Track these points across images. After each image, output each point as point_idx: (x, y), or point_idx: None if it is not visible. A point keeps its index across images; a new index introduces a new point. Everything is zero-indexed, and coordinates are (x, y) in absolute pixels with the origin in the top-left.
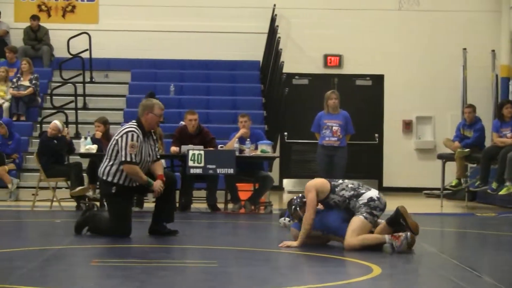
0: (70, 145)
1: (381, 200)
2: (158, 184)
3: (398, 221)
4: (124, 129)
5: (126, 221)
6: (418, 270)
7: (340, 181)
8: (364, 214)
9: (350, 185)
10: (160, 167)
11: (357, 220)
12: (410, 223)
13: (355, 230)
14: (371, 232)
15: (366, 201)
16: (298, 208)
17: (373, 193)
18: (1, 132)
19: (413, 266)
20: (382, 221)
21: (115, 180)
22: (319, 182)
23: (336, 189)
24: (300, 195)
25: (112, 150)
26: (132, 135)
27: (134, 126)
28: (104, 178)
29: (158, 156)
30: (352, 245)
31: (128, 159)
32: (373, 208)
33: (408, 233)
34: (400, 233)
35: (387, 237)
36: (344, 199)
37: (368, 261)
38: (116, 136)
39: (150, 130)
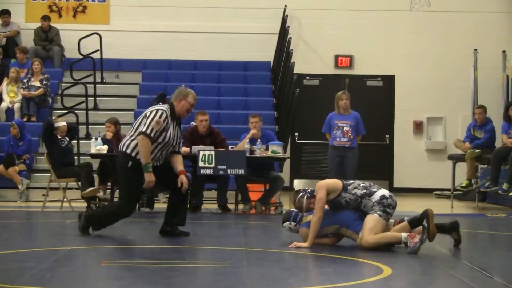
0: (73, 131)
1: (393, 198)
2: (182, 179)
3: (421, 222)
4: (156, 107)
5: (134, 196)
6: (428, 271)
7: (351, 181)
8: (379, 212)
9: (362, 184)
10: (181, 163)
11: (373, 218)
12: (431, 228)
13: (372, 228)
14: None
15: (378, 199)
16: (304, 197)
17: (385, 191)
18: (13, 133)
19: (424, 267)
20: (392, 221)
21: (133, 154)
22: (331, 182)
23: (349, 187)
24: (311, 188)
25: (139, 125)
26: (162, 114)
27: (166, 107)
28: (124, 149)
29: (180, 149)
30: (370, 242)
31: (148, 131)
32: (387, 206)
33: (424, 236)
34: (417, 234)
35: (403, 235)
36: (356, 197)
37: (379, 262)
38: (147, 111)
39: (179, 116)
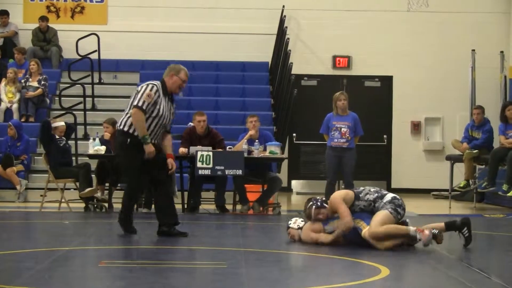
0: (69, 129)
1: (403, 201)
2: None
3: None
4: (147, 82)
5: (137, 172)
6: (426, 271)
7: (361, 188)
8: (390, 210)
9: (372, 189)
10: (170, 146)
11: (382, 213)
12: (438, 239)
13: (381, 221)
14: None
15: (390, 199)
16: (313, 207)
17: (396, 194)
18: (10, 133)
19: (422, 267)
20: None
21: (131, 131)
22: (343, 193)
23: (361, 195)
24: (322, 198)
25: (132, 101)
26: (152, 87)
27: (157, 82)
28: (121, 127)
29: (171, 126)
30: (378, 232)
31: (140, 104)
32: (398, 205)
33: (434, 231)
34: (425, 229)
35: (411, 229)
36: (370, 202)
37: (376, 262)
38: (138, 87)
39: (170, 92)
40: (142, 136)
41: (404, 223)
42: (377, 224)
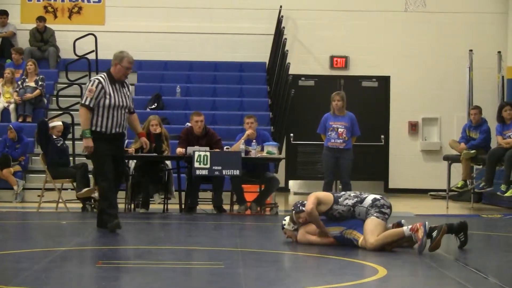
0: (66, 130)
1: (385, 199)
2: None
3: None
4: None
5: (104, 165)
6: (424, 271)
7: (343, 192)
8: (375, 214)
9: (352, 194)
10: (138, 124)
11: (371, 221)
12: (437, 240)
13: (373, 230)
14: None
15: (371, 202)
16: (294, 212)
17: (375, 195)
18: (10, 136)
19: (419, 267)
20: (390, 225)
21: (93, 128)
22: (322, 193)
23: (340, 199)
24: (303, 201)
25: None
26: (94, 82)
27: (101, 75)
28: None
29: (133, 109)
30: (375, 244)
31: (83, 101)
32: (381, 207)
33: (427, 225)
34: (418, 226)
35: (405, 229)
36: (349, 207)
37: (374, 263)
38: None
39: (119, 80)
40: (82, 130)
41: (400, 224)
42: (370, 235)
